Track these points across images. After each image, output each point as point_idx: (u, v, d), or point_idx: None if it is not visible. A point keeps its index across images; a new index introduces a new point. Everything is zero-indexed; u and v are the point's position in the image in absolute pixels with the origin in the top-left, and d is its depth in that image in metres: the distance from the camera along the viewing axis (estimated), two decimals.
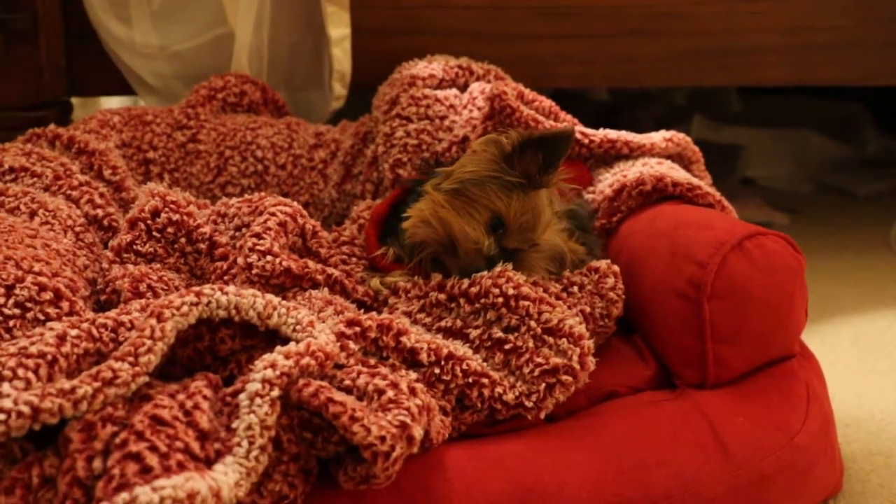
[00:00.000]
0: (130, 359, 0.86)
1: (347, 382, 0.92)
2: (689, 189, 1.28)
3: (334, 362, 0.93)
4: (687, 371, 1.11)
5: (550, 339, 1.03)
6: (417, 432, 0.86)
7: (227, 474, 0.78)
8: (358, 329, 0.99)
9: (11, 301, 0.97)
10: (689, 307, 1.10)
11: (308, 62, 1.77)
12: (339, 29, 1.68)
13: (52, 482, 0.79)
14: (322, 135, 1.57)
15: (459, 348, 1.03)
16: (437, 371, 1.00)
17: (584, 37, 1.83)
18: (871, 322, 1.74)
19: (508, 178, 1.10)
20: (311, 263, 1.15)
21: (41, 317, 0.98)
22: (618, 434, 1.03)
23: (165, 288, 1.13)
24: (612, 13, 1.82)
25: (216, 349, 0.96)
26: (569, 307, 1.09)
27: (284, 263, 1.12)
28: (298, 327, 0.95)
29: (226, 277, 1.14)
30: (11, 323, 0.96)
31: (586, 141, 1.38)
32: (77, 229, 1.21)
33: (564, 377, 1.01)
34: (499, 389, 1.00)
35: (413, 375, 0.98)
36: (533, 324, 1.04)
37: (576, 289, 1.13)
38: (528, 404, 1.00)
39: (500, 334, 1.04)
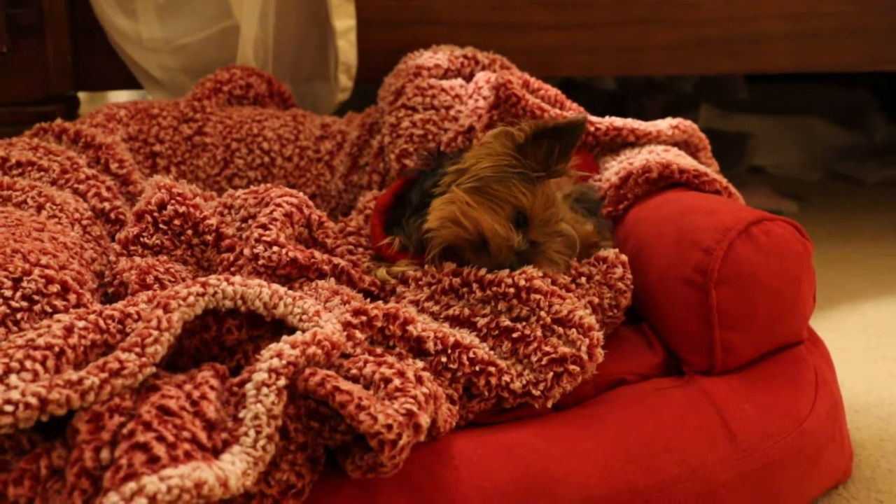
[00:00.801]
0: (137, 349, 0.86)
1: (354, 371, 0.92)
2: (695, 176, 1.28)
3: (341, 351, 0.93)
4: (694, 358, 1.11)
5: (560, 329, 1.03)
6: (424, 420, 0.86)
7: (235, 464, 0.78)
8: (364, 318, 0.99)
9: (19, 294, 0.97)
10: (696, 294, 1.09)
11: (313, 54, 1.78)
12: (344, 20, 1.68)
13: (60, 473, 0.79)
14: (328, 126, 1.57)
15: (466, 336, 1.03)
16: (443, 360, 1.00)
17: (590, 26, 1.83)
18: (880, 308, 1.73)
19: (528, 171, 1.10)
20: (317, 254, 1.15)
21: (48, 309, 0.98)
22: (625, 421, 1.03)
23: (172, 279, 1.13)
24: (617, 2, 1.82)
25: (223, 339, 0.96)
26: (578, 298, 1.08)
27: (291, 254, 1.12)
28: (304, 317, 0.95)
29: (232, 269, 1.14)
30: (19, 315, 0.96)
31: (592, 129, 1.38)
32: (84, 222, 1.22)
33: (572, 367, 1.01)
34: (506, 378, 1.00)
35: (420, 364, 0.98)
36: (543, 314, 1.04)
37: (584, 280, 1.13)
38: (536, 393, 1.00)
39: (508, 323, 1.04)
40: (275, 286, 0.96)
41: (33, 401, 0.77)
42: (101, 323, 0.91)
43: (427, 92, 1.48)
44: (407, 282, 1.13)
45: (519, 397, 1.01)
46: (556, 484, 0.93)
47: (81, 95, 1.82)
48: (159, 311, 0.89)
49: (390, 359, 0.94)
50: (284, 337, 0.89)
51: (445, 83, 1.51)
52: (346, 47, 1.69)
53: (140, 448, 0.76)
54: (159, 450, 0.76)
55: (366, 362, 0.93)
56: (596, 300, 1.12)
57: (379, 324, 0.99)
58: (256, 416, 0.83)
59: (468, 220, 1.09)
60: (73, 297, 1.01)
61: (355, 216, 1.32)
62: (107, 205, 1.27)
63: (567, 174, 1.14)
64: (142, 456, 0.75)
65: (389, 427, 0.83)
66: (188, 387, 0.86)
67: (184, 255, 1.19)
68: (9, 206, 1.18)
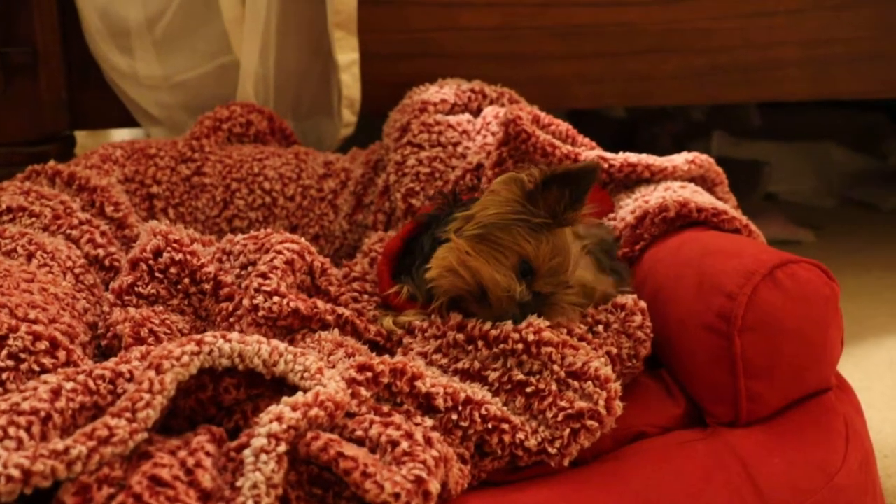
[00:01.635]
0: (128, 415, 0.81)
1: (359, 433, 0.87)
2: (714, 214, 1.23)
3: (345, 411, 0.88)
4: (718, 408, 1.05)
5: (575, 383, 0.97)
6: (434, 487, 0.81)
7: None
8: (370, 374, 0.94)
9: (4, 352, 0.93)
10: (719, 341, 1.04)
11: (316, 89, 1.73)
12: (347, 54, 1.64)
13: None
14: (331, 164, 1.52)
15: (478, 392, 0.97)
16: (454, 417, 0.94)
17: (599, 56, 1.78)
18: None
19: (534, 219, 1.04)
20: (320, 303, 1.10)
21: (36, 368, 0.93)
22: (647, 479, 0.97)
23: (168, 332, 1.08)
24: (627, 31, 1.78)
25: (220, 399, 0.91)
26: (594, 349, 1.03)
27: (292, 304, 1.07)
28: (306, 374, 0.90)
29: (231, 319, 1.09)
30: (5, 376, 0.91)
31: (606, 165, 1.33)
32: (77, 271, 1.17)
33: (590, 422, 0.95)
34: (520, 435, 0.95)
35: (429, 422, 0.93)
36: (556, 367, 0.98)
37: (601, 328, 1.08)
38: (552, 451, 0.95)
39: (521, 377, 0.99)
40: (274, 342, 0.91)
41: (16, 473, 0.73)
42: (91, 384, 0.86)
43: (433, 128, 1.44)
44: (414, 332, 1.08)
45: (534, 455, 0.96)
46: None
47: (82, 134, 1.77)
48: (151, 373, 0.84)
49: (397, 418, 0.89)
50: (285, 398, 0.84)
51: (452, 119, 1.46)
52: (350, 81, 1.64)
53: None
54: None
55: (371, 423, 0.88)
56: (614, 350, 1.06)
57: (385, 380, 0.94)
58: (255, 486, 0.78)
59: (466, 270, 1.04)
60: (62, 355, 0.96)
61: (360, 260, 1.27)
62: (101, 251, 1.22)
63: (579, 222, 1.08)
64: None
65: (397, 496, 0.78)
66: (182, 453, 0.82)
67: (181, 304, 1.14)
68: None
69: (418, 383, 0.95)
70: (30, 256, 1.14)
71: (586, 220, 1.10)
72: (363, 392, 0.92)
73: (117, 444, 0.79)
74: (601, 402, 0.96)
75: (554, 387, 0.97)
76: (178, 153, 1.47)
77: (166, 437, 0.86)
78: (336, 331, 1.09)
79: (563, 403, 0.96)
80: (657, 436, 1.05)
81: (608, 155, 1.34)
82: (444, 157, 1.41)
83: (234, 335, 0.90)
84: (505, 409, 0.97)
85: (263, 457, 0.79)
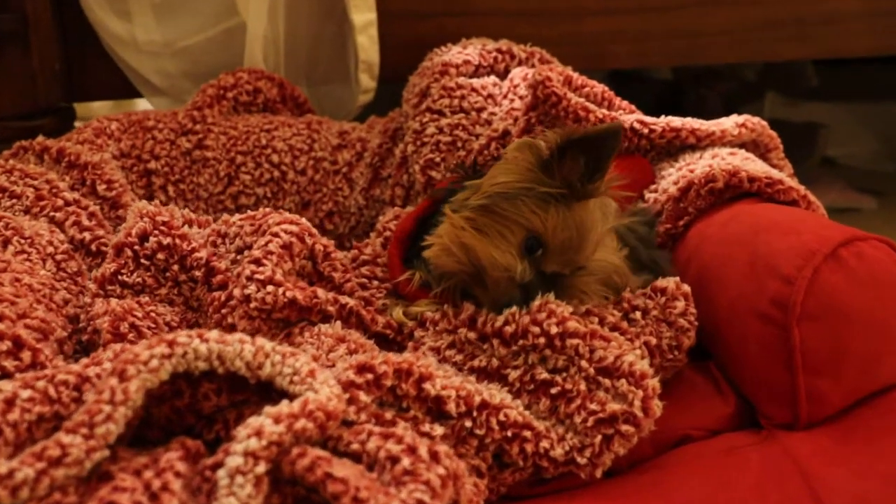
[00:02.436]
0: (84, 430, 0.70)
1: (355, 446, 0.76)
2: (768, 184, 1.09)
3: (339, 421, 0.77)
4: (774, 408, 0.92)
5: (606, 381, 0.85)
6: None
7: None
8: (371, 377, 0.82)
9: None
10: (775, 331, 0.91)
11: (331, 53, 1.61)
12: (363, 14, 1.51)
13: None
14: (347, 134, 1.40)
15: (496, 394, 0.85)
16: (468, 424, 0.83)
17: (639, 10, 1.65)
18: None
19: (545, 188, 0.91)
20: (320, 292, 0.98)
21: None
22: (692, 492, 0.85)
23: (153, 325, 0.97)
24: None
25: (199, 407, 0.80)
26: (629, 339, 0.90)
27: (289, 294, 0.95)
28: (296, 378, 0.78)
29: (224, 310, 0.97)
30: None
31: (646, 131, 1.19)
32: (58, 257, 1.06)
33: (624, 427, 0.83)
34: (544, 444, 0.83)
35: (440, 430, 0.82)
36: (584, 363, 0.86)
37: (638, 315, 0.95)
38: (581, 460, 0.83)
39: (545, 375, 0.86)
40: (260, 341, 0.79)
41: None
42: (52, 391, 0.76)
43: (455, 93, 1.30)
44: (426, 325, 0.96)
45: (561, 466, 0.84)
46: None
47: (105, 106, 1.66)
48: (114, 380, 0.73)
49: (399, 430, 0.77)
50: (266, 409, 0.72)
51: (476, 82, 1.33)
52: (367, 44, 1.52)
53: None
54: None
55: (370, 434, 0.76)
56: (653, 340, 0.93)
57: (389, 382, 0.82)
58: None
59: (460, 248, 0.92)
60: (26, 356, 0.85)
61: (373, 240, 1.15)
62: (87, 235, 1.11)
63: (602, 193, 0.94)
64: None
65: None
66: (148, 474, 0.71)
67: (170, 294, 1.02)
68: None
69: (427, 385, 0.83)
70: (5, 243, 1.03)
71: (613, 193, 0.97)
72: (363, 397, 0.81)
73: (71, 466, 0.68)
74: (637, 403, 0.83)
75: (583, 386, 0.85)
76: (179, 125, 1.35)
77: (138, 450, 0.75)
78: (339, 323, 0.97)
79: (593, 406, 0.84)
80: (703, 440, 0.93)
81: (648, 119, 1.21)
82: (466, 125, 1.28)
83: (213, 334, 0.78)
84: (527, 413, 0.85)
85: (239, 479, 0.68)
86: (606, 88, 1.27)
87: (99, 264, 1.09)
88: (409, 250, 1.05)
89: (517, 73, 1.33)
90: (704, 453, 0.90)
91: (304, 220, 1.03)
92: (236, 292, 0.96)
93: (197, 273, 1.02)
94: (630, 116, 1.21)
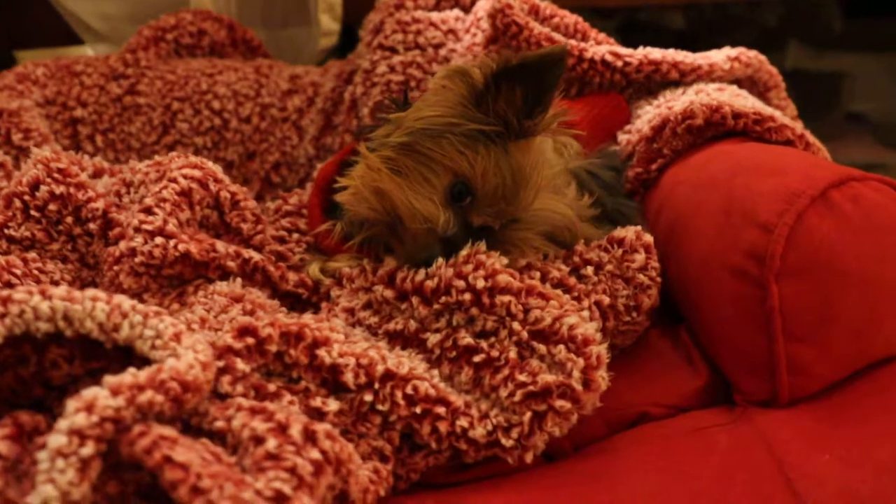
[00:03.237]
0: None
1: (220, 424, 0.63)
2: (756, 121, 0.93)
3: (203, 394, 0.64)
4: (750, 382, 0.78)
5: (541, 347, 0.71)
6: None
7: None
8: (252, 341, 0.69)
9: None
10: (750, 289, 0.76)
11: None
12: None
13: None
14: (298, 78, 1.26)
15: (405, 362, 0.72)
16: (367, 398, 0.69)
17: None
18: None
19: (475, 125, 0.77)
20: (220, 245, 0.84)
21: None
22: (644, 481, 0.71)
23: (36, 284, 0.84)
24: None
25: (48, 376, 0.67)
26: (577, 298, 0.76)
27: (181, 247, 0.81)
28: (159, 342, 0.65)
29: (116, 267, 0.84)
30: None
31: (620, 64, 1.04)
32: None
33: (559, 402, 0.69)
34: (462, 422, 0.70)
35: (334, 405, 0.69)
36: (516, 325, 0.72)
37: (590, 270, 0.80)
38: (507, 442, 0.70)
39: (468, 340, 0.73)
40: (117, 299, 0.66)
41: None
42: None
43: (410, 27, 1.16)
44: (342, 282, 0.82)
45: (483, 449, 0.70)
46: None
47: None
48: None
49: (272, 405, 0.64)
50: (107, 378, 0.59)
51: (436, 16, 1.18)
52: None
53: None
54: None
55: (238, 409, 0.63)
56: (606, 300, 0.79)
57: (273, 348, 0.69)
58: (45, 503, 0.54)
59: (374, 194, 0.78)
60: None
61: (304, 190, 1.01)
62: None
63: (543, 132, 0.79)
64: None
65: None
66: None
67: (62, 249, 0.89)
68: None
69: (321, 352, 0.70)
70: None
71: (561, 133, 0.82)
72: (240, 365, 0.68)
73: None
74: (576, 374, 0.70)
75: (513, 353, 0.71)
76: (109, 69, 1.22)
77: None
78: (238, 281, 0.83)
79: (522, 377, 0.70)
80: (665, 418, 0.79)
81: (623, 51, 1.06)
82: (421, 62, 1.14)
83: (59, 290, 0.65)
84: (443, 385, 0.71)
85: (60, 462, 0.56)
86: (580, 19, 1.12)
87: None
88: (332, 199, 0.91)
89: (482, 4, 1.17)
90: (664, 435, 0.76)
91: (210, 163, 0.90)
92: (121, 245, 0.82)
93: (92, 226, 0.89)
94: (602, 48, 1.05)
